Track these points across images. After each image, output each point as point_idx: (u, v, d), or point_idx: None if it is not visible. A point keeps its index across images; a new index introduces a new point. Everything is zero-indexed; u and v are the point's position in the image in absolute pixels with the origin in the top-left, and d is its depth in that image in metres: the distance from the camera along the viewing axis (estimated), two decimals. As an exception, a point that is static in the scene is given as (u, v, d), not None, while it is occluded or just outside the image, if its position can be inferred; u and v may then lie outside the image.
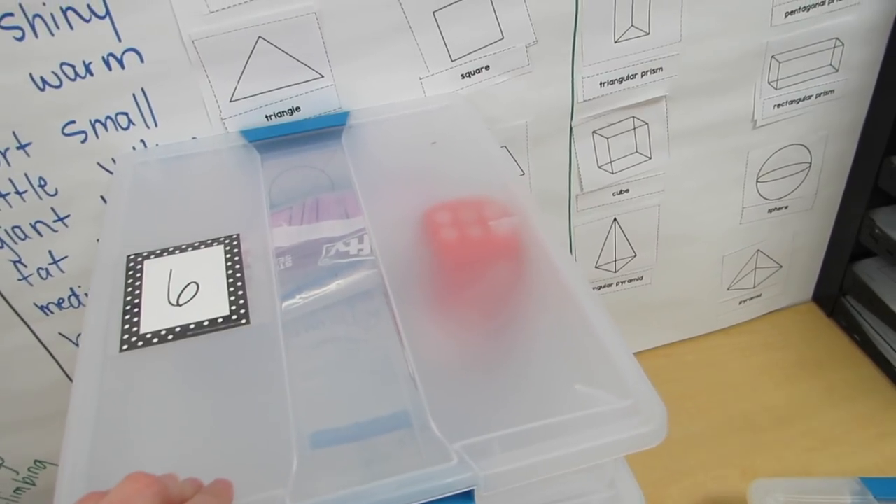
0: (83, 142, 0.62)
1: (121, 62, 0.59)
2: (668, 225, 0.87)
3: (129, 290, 0.49)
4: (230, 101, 0.63)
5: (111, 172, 0.64)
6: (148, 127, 0.63)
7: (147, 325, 0.46)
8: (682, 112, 0.77)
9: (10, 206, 0.63)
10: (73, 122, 0.61)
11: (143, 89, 0.61)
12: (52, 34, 0.56)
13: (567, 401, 0.40)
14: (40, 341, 0.73)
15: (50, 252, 0.67)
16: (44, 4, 0.55)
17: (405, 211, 0.55)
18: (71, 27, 0.56)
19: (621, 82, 0.73)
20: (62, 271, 0.69)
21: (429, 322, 0.47)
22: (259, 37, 0.61)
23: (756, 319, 1.02)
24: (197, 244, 0.53)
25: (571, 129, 0.75)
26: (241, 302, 0.48)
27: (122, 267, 0.51)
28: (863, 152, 0.86)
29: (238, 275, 0.50)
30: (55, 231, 0.66)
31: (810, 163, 0.87)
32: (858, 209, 0.89)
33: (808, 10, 0.73)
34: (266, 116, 0.65)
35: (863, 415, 0.87)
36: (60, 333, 0.73)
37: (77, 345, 0.74)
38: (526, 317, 0.48)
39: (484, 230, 0.53)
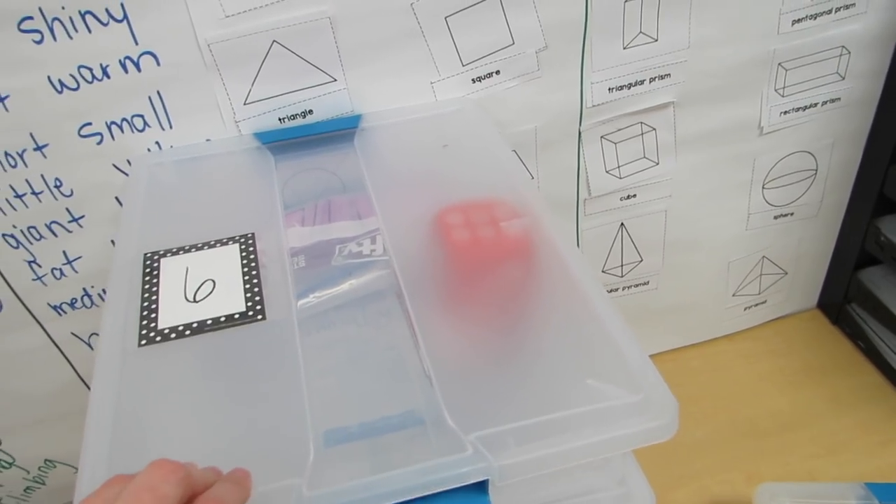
0: (99, 143, 0.63)
1: (137, 65, 0.60)
2: (675, 230, 0.87)
3: (147, 287, 0.50)
4: (244, 103, 0.64)
5: (126, 174, 0.64)
6: (163, 129, 0.64)
7: (165, 320, 0.47)
8: (689, 118, 0.78)
9: (27, 207, 0.64)
10: (90, 123, 0.61)
11: (158, 92, 0.62)
12: (71, 37, 0.57)
13: (579, 395, 0.41)
14: (53, 341, 0.73)
15: (64, 252, 0.68)
16: (63, 8, 0.55)
17: (417, 212, 0.56)
18: (89, 30, 0.57)
19: (629, 88, 0.74)
20: (76, 271, 0.69)
21: (442, 320, 0.47)
22: (274, 40, 0.62)
23: (761, 326, 1.02)
24: (213, 243, 0.53)
25: (580, 133, 0.76)
26: (258, 298, 0.48)
27: (139, 265, 0.52)
28: (868, 160, 0.87)
29: (254, 272, 0.50)
30: (70, 231, 0.67)
31: (816, 170, 0.87)
32: (864, 217, 0.89)
33: (815, 18, 0.74)
34: (279, 119, 0.66)
35: (867, 422, 0.87)
36: (73, 333, 0.73)
37: (89, 345, 0.74)
38: (538, 314, 0.48)
39: (495, 231, 0.53)
